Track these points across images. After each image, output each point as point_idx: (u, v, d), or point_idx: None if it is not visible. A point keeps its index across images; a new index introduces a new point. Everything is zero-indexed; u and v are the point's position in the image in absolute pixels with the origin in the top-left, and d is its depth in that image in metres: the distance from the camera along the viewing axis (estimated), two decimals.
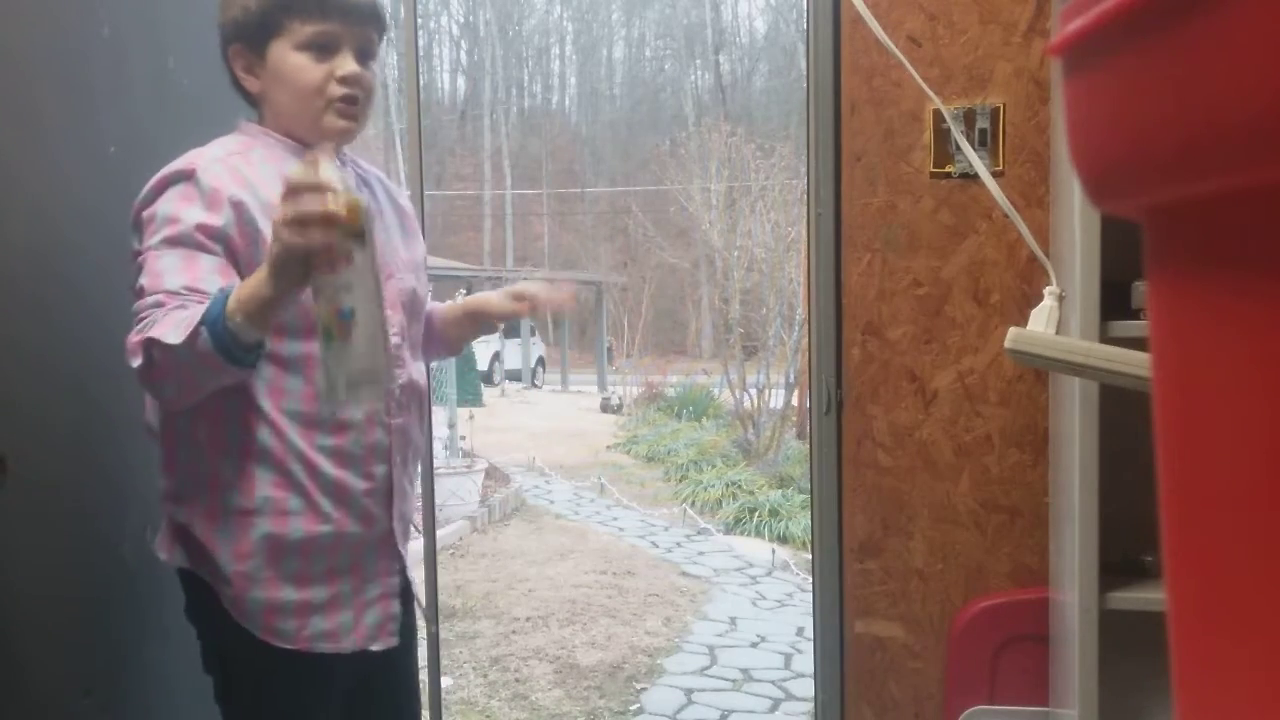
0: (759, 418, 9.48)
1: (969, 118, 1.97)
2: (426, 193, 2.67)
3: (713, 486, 7.87)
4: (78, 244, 1.58)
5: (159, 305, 1.24)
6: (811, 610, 2.24)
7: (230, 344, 1.19)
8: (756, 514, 7.07)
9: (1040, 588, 1.98)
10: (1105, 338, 1.49)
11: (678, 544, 6.69)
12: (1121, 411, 1.50)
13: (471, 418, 9.39)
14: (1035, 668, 1.97)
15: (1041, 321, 1.76)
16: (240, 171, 1.35)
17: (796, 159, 11.49)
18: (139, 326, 1.23)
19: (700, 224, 13.53)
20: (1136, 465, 1.61)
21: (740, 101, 30.09)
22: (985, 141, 1.97)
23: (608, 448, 10.58)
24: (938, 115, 1.97)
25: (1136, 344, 1.37)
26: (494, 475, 8.29)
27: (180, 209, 1.31)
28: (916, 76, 1.93)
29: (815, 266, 2.10)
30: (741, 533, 6.97)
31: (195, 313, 1.21)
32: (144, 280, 1.28)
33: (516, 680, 4.07)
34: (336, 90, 1.39)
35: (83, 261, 1.59)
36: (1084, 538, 1.56)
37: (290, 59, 1.38)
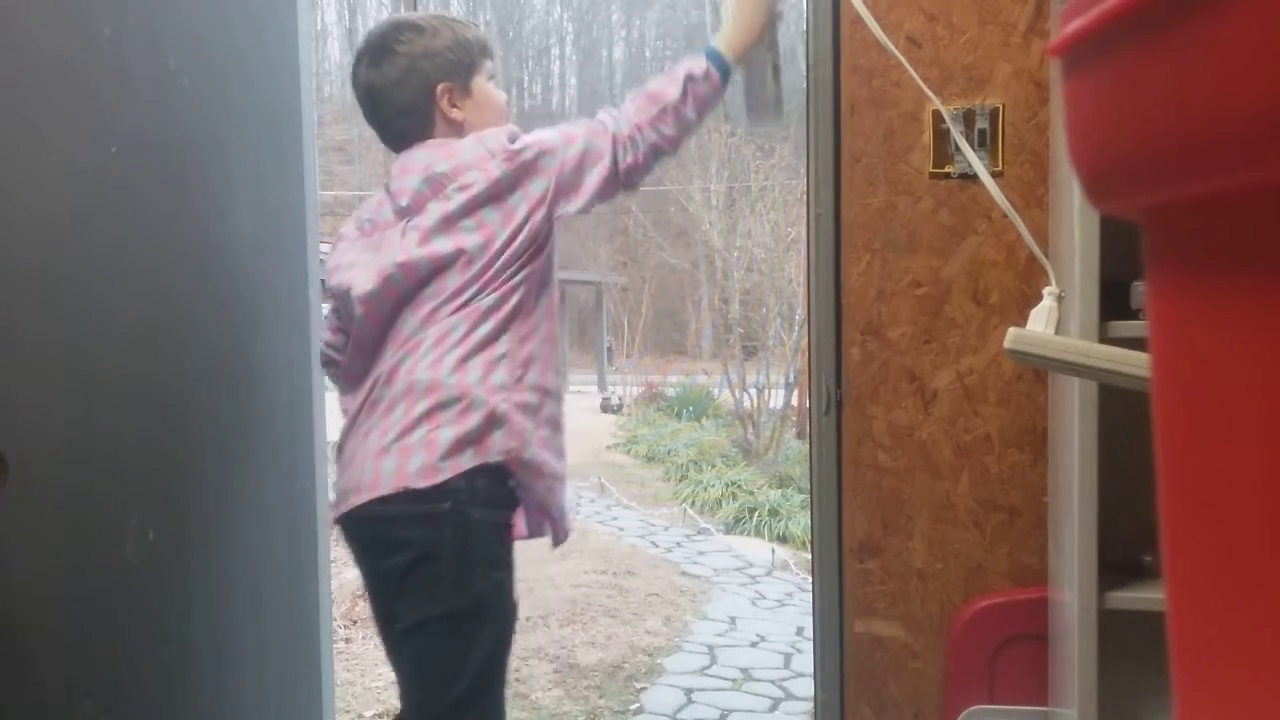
0: (759, 418, 9.48)
1: (968, 118, 1.97)
2: None
3: (713, 486, 7.87)
4: (80, 244, 1.58)
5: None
6: (811, 610, 2.24)
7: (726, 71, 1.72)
8: (756, 514, 7.06)
9: (1040, 587, 1.98)
10: (1105, 338, 1.49)
11: (678, 544, 6.68)
12: (1121, 411, 1.50)
13: None
14: (1035, 667, 1.97)
15: (1041, 321, 1.76)
16: None
17: (796, 159, 11.49)
18: (635, 118, 1.65)
19: (700, 224, 13.52)
20: (1136, 465, 1.61)
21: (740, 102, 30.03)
22: (985, 142, 1.97)
23: (608, 448, 10.57)
24: (937, 116, 1.97)
25: (1136, 344, 1.37)
26: None
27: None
28: (916, 77, 1.93)
29: (815, 266, 2.10)
30: (741, 532, 6.97)
31: (686, 63, 1.70)
32: (557, 134, 1.68)
33: (516, 680, 4.07)
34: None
35: (85, 261, 1.59)
36: (1084, 538, 1.56)
37: (489, 88, 1.77)
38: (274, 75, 2.17)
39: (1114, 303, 1.52)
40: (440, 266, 1.62)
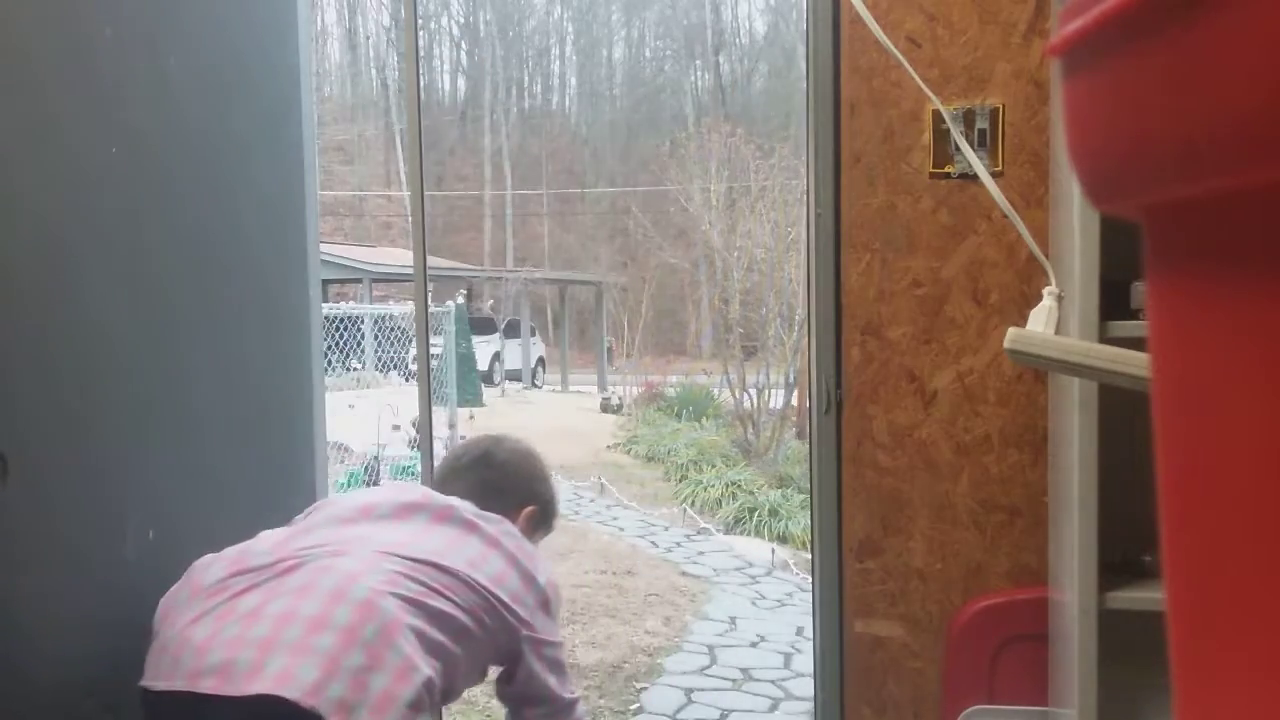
0: (759, 418, 9.48)
1: (968, 118, 1.97)
2: (427, 193, 2.67)
3: (713, 486, 7.87)
4: (79, 244, 1.58)
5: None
6: (811, 610, 2.24)
7: None
8: (756, 514, 7.07)
9: (1040, 587, 1.98)
10: (1105, 338, 1.49)
11: (678, 544, 6.69)
12: (1121, 411, 1.50)
13: (472, 418, 9.40)
14: (1034, 667, 1.97)
15: (1041, 321, 1.76)
16: None
17: (796, 159, 11.48)
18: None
19: (700, 224, 13.52)
20: (1136, 465, 1.61)
21: (740, 102, 30.06)
22: (984, 142, 1.97)
23: (608, 448, 10.57)
24: (937, 116, 1.97)
25: (1136, 344, 1.37)
26: None
27: None
28: (916, 77, 1.93)
29: (815, 266, 2.10)
30: (741, 532, 6.97)
31: None
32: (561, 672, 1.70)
33: None
34: None
35: (84, 261, 1.59)
36: (1084, 538, 1.56)
37: (543, 542, 1.91)
38: (274, 75, 2.17)
39: (1114, 303, 1.52)
40: (457, 539, 1.63)
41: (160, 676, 1.42)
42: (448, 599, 1.51)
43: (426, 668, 1.42)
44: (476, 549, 1.62)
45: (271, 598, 1.43)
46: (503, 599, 1.58)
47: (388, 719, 1.35)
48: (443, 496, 1.73)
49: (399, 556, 1.52)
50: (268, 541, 1.59)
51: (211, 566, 1.54)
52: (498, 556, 1.63)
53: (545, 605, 1.67)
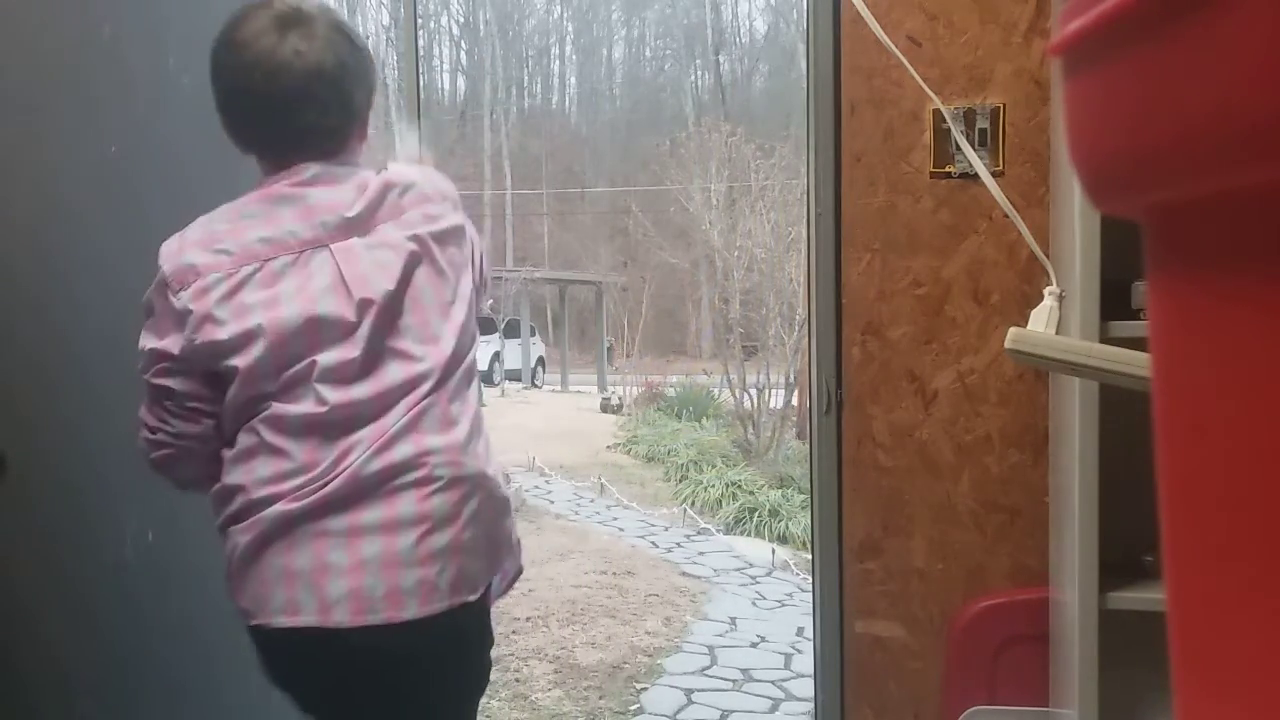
0: (759, 418, 9.48)
1: (969, 118, 1.97)
2: None
3: (713, 486, 7.87)
4: (78, 244, 1.58)
5: None
6: (811, 610, 2.24)
7: None
8: (756, 514, 7.07)
9: (1040, 588, 1.98)
10: (1105, 338, 1.49)
11: (678, 544, 6.69)
12: (1121, 411, 1.50)
13: None
14: (1035, 668, 1.97)
15: (1041, 321, 1.76)
16: None
17: (796, 159, 11.48)
18: None
19: (700, 224, 13.52)
20: (1136, 465, 1.61)
21: (740, 101, 30.07)
22: (985, 141, 1.97)
23: (607, 448, 10.57)
24: (938, 115, 1.97)
25: (1136, 344, 1.37)
26: None
27: None
28: (916, 76, 1.93)
29: (815, 266, 2.10)
30: (741, 533, 6.97)
31: None
32: None
33: (516, 680, 4.07)
34: None
35: (83, 261, 1.59)
36: (1084, 538, 1.56)
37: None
38: None
39: (1114, 303, 1.52)
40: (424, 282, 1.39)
41: (283, 611, 1.30)
42: (466, 378, 1.48)
43: (501, 479, 1.41)
44: (438, 298, 1.42)
45: (360, 506, 1.30)
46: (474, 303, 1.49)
47: (505, 557, 1.41)
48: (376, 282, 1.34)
49: (421, 389, 1.38)
50: (300, 451, 1.32)
51: (259, 484, 1.32)
52: (444, 262, 1.41)
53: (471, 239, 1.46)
